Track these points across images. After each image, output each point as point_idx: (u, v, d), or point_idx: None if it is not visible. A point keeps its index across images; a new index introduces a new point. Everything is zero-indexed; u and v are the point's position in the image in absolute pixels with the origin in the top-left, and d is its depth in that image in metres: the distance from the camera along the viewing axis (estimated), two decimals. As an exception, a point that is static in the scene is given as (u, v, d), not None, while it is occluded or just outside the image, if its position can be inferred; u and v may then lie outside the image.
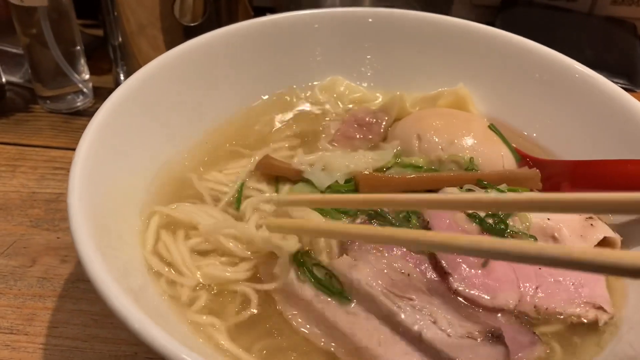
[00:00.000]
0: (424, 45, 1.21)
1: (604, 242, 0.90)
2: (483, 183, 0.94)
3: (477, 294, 0.79)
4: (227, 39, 1.16)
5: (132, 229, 0.90)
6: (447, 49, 1.20)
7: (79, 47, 1.37)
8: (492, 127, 1.07)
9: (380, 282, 0.76)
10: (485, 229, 0.88)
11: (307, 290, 0.77)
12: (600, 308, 0.78)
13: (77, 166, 0.81)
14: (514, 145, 1.09)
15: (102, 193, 0.84)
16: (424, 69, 1.20)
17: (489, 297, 0.78)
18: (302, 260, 0.81)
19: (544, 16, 1.68)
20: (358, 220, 0.89)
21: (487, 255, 0.74)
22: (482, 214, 0.89)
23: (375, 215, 0.87)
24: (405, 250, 0.84)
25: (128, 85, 1.01)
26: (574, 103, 1.09)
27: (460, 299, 0.79)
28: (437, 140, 1.04)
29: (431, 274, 0.82)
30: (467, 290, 0.80)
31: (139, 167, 0.98)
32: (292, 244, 0.81)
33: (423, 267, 0.83)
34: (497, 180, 0.95)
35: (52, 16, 1.28)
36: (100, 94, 1.48)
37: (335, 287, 0.78)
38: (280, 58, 1.19)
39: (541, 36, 1.58)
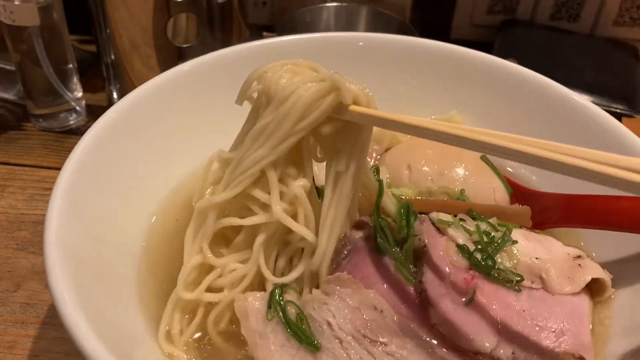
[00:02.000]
0: (418, 71, 1.19)
1: (594, 282, 0.88)
2: (474, 213, 0.92)
3: (455, 331, 0.77)
4: (223, 61, 1.14)
5: (127, 286, 0.87)
6: (440, 75, 1.18)
7: (71, 65, 1.37)
8: (484, 158, 1.06)
9: (350, 327, 0.75)
10: (473, 263, 0.86)
11: (279, 335, 0.75)
12: (580, 358, 0.76)
13: (54, 209, 0.80)
14: (506, 176, 1.08)
15: (86, 237, 0.83)
16: (417, 95, 1.18)
17: (466, 337, 0.76)
18: (277, 297, 0.80)
19: (545, 37, 1.66)
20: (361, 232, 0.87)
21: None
22: (471, 247, 0.87)
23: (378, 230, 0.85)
24: (386, 285, 0.82)
25: (114, 111, 0.99)
26: (568, 134, 1.06)
27: (435, 340, 0.77)
28: (427, 170, 1.03)
29: (408, 310, 0.80)
30: (445, 326, 0.78)
31: (130, 205, 0.96)
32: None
33: (401, 302, 0.81)
34: (488, 214, 0.93)
35: (44, 34, 1.27)
36: (94, 112, 1.47)
37: (304, 333, 0.76)
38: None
39: (541, 58, 1.57)
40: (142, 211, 0.99)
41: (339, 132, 0.79)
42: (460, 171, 1.02)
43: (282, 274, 0.85)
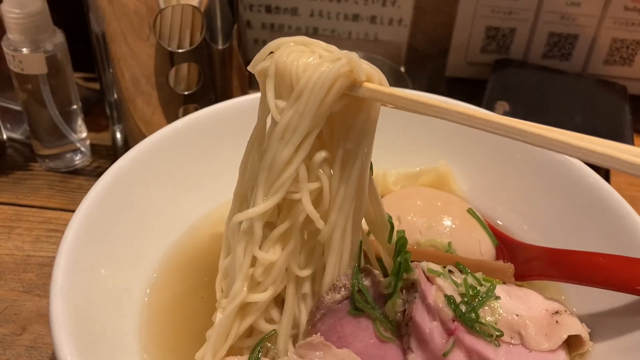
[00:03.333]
0: (409, 121, 1.23)
1: (572, 336, 0.92)
2: (461, 266, 0.97)
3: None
4: (224, 114, 1.20)
5: (129, 336, 0.92)
6: (430, 125, 1.22)
7: (75, 106, 1.41)
8: (470, 212, 1.10)
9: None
10: (458, 314, 0.90)
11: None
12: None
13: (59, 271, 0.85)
14: (493, 227, 1.12)
15: (90, 289, 0.88)
16: (408, 145, 1.23)
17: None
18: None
19: (537, 77, 1.69)
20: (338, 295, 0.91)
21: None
22: (457, 299, 0.91)
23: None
24: (364, 343, 0.86)
25: (119, 166, 1.04)
26: (552, 187, 1.11)
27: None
28: (416, 222, 1.07)
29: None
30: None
31: (135, 257, 1.01)
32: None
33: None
34: (474, 268, 0.97)
35: (50, 80, 1.32)
36: (98, 152, 1.52)
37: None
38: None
39: (533, 99, 1.61)
40: (147, 262, 1.04)
41: (349, 108, 0.78)
42: (447, 224, 1.06)
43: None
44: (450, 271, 0.95)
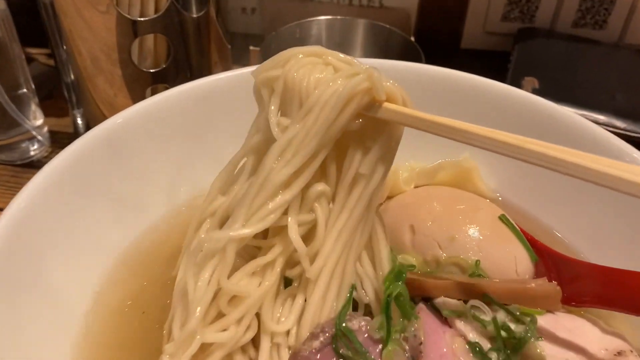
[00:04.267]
0: (424, 102, 1.00)
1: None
2: (489, 298, 0.75)
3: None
4: (192, 96, 0.99)
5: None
6: (452, 107, 1.00)
7: (26, 90, 1.20)
8: (503, 219, 0.88)
9: None
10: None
11: None
12: None
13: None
14: (530, 236, 0.90)
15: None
16: (424, 134, 1.00)
17: None
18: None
19: (567, 49, 1.48)
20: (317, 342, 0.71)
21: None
22: (485, 345, 0.70)
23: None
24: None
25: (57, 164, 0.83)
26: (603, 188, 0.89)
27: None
28: (435, 233, 0.85)
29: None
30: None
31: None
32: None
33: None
34: (508, 298, 0.76)
35: (-7, 58, 1.11)
36: (60, 140, 1.31)
37: None
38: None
39: (563, 75, 1.40)
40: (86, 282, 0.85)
41: (367, 129, 0.69)
42: (474, 235, 0.85)
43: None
44: (474, 307, 0.73)
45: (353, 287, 0.75)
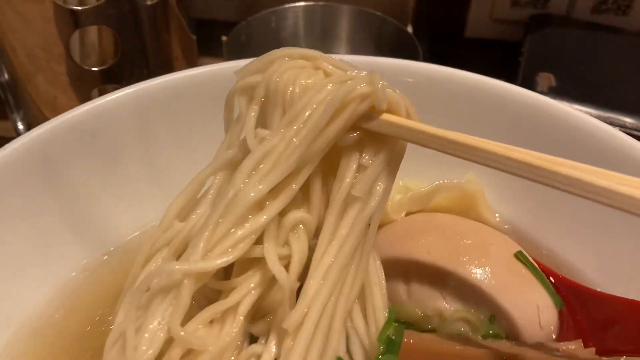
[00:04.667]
0: (421, 109, 0.84)
1: None
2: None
3: None
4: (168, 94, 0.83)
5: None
6: (452, 117, 0.83)
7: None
8: (519, 257, 0.71)
9: None
10: None
11: None
12: None
13: None
14: (549, 270, 0.75)
15: None
16: (419, 148, 0.83)
17: None
18: None
19: (586, 38, 1.32)
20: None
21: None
22: None
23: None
24: None
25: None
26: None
27: None
28: (435, 280, 0.69)
29: None
30: None
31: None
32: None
33: None
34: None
35: None
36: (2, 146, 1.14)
37: None
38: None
39: (582, 68, 1.25)
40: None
41: (365, 143, 0.60)
42: (486, 280, 0.68)
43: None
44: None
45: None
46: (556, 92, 1.12)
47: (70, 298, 0.75)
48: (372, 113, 0.59)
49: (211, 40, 1.32)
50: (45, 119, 1.03)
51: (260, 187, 0.58)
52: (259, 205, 0.59)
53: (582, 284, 0.75)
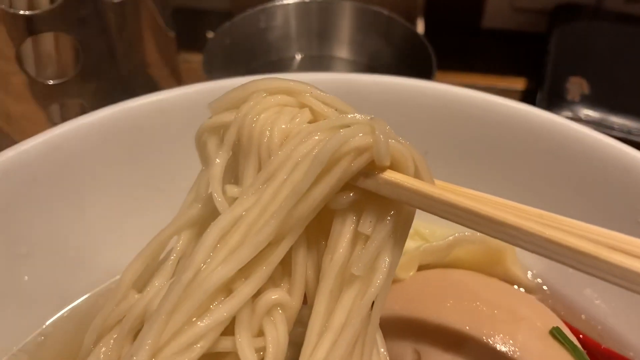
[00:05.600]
0: (434, 140, 0.73)
1: None
2: None
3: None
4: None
5: None
6: (470, 150, 0.71)
7: None
8: (556, 334, 0.60)
9: None
10: None
11: None
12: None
13: None
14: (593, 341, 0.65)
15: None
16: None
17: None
18: None
19: (620, 33, 1.19)
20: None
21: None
22: None
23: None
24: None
25: None
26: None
27: None
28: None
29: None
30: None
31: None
32: None
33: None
34: None
35: None
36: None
37: None
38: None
39: (619, 72, 1.12)
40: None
41: (364, 205, 0.51)
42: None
43: None
44: None
45: None
46: (590, 101, 0.99)
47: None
48: (371, 170, 0.50)
49: (195, 33, 1.19)
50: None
51: (228, 267, 0.49)
52: (225, 290, 0.50)
53: (630, 356, 0.64)
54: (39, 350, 0.66)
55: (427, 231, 0.71)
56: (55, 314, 0.69)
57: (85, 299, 0.71)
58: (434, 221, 0.70)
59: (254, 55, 0.94)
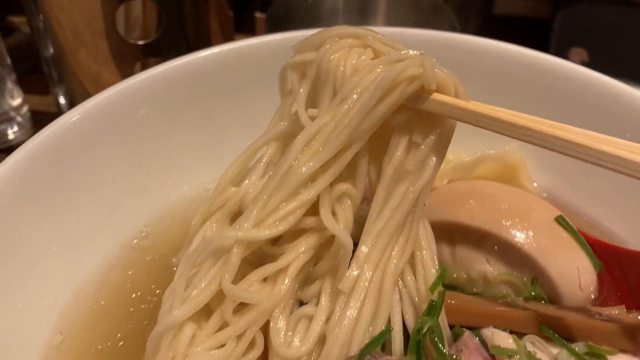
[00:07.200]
0: (463, 78, 0.86)
1: None
2: (549, 332, 0.61)
3: None
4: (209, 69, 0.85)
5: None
6: (493, 86, 0.84)
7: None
8: (560, 221, 0.73)
9: None
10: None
11: None
12: None
13: None
14: (588, 236, 0.76)
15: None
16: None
17: None
18: None
19: (619, 13, 1.29)
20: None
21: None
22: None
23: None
24: None
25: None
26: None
27: None
28: (480, 244, 0.70)
29: None
30: None
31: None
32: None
33: None
34: (573, 332, 0.62)
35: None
36: (44, 121, 1.15)
37: None
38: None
39: (616, 44, 1.23)
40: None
41: (415, 123, 0.62)
42: (529, 244, 0.69)
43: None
44: (530, 343, 0.60)
45: (389, 329, 0.62)
46: (589, 67, 1.12)
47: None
48: (421, 93, 0.60)
49: (243, 17, 1.34)
50: (86, 93, 1.06)
51: (312, 163, 0.60)
52: (310, 180, 0.61)
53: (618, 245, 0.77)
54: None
55: (455, 157, 0.85)
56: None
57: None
58: (460, 149, 0.86)
59: (305, 26, 1.09)
